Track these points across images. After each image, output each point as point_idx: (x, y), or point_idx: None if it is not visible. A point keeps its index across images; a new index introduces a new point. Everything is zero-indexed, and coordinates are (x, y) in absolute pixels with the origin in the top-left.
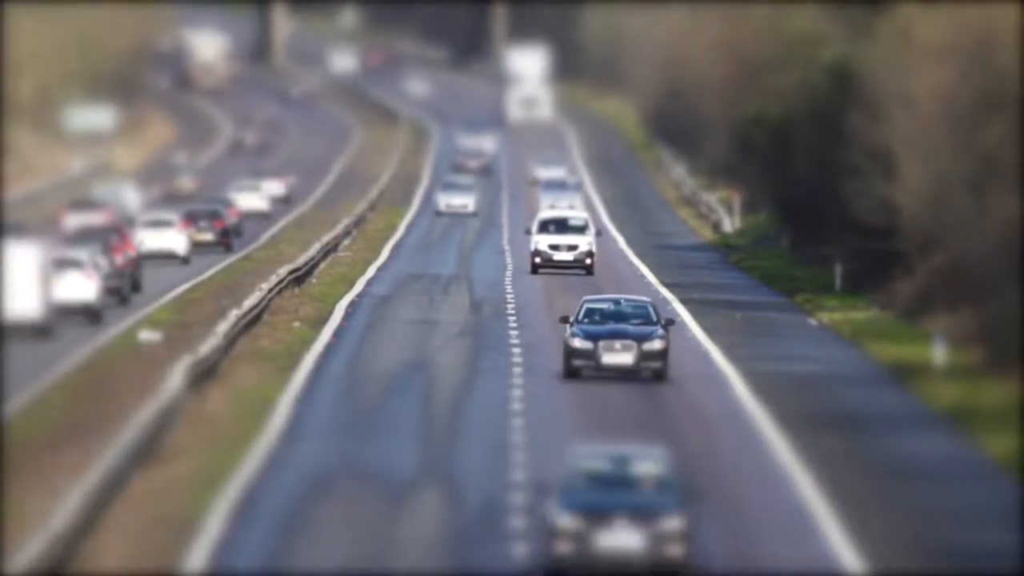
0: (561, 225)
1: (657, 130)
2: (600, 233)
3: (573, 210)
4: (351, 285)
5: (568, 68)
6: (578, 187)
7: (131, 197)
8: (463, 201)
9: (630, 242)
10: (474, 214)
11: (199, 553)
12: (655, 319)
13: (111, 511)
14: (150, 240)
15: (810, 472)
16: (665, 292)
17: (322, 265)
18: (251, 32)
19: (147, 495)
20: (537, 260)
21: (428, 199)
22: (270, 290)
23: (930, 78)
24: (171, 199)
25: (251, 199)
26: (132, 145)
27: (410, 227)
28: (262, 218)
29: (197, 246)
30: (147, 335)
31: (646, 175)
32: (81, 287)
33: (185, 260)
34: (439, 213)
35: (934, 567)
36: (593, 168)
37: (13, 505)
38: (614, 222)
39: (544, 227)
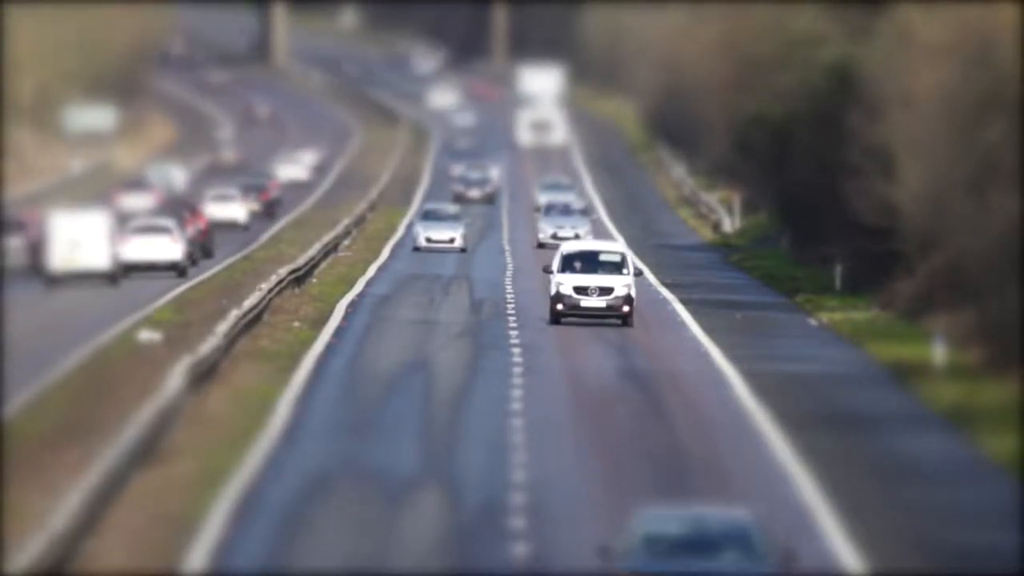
0: (591, 261)
1: (657, 130)
2: (640, 273)
3: (594, 238)
4: (351, 285)
5: (568, 69)
6: (587, 212)
7: (178, 177)
8: (448, 234)
9: (630, 242)
10: (462, 250)
11: (199, 553)
12: (762, 543)
13: (111, 511)
14: (217, 211)
15: (810, 472)
16: (665, 292)
17: (322, 265)
18: (252, 32)
19: (147, 495)
20: (560, 307)
21: (429, 198)
22: (270, 290)
23: (930, 78)
24: (216, 171)
25: (292, 170)
26: (132, 145)
27: (410, 227)
28: (303, 187)
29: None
30: (147, 335)
31: (646, 175)
32: (170, 249)
33: (246, 227)
34: (418, 249)
35: (934, 567)
36: (593, 169)
37: (13, 505)
38: (614, 222)
39: (568, 264)
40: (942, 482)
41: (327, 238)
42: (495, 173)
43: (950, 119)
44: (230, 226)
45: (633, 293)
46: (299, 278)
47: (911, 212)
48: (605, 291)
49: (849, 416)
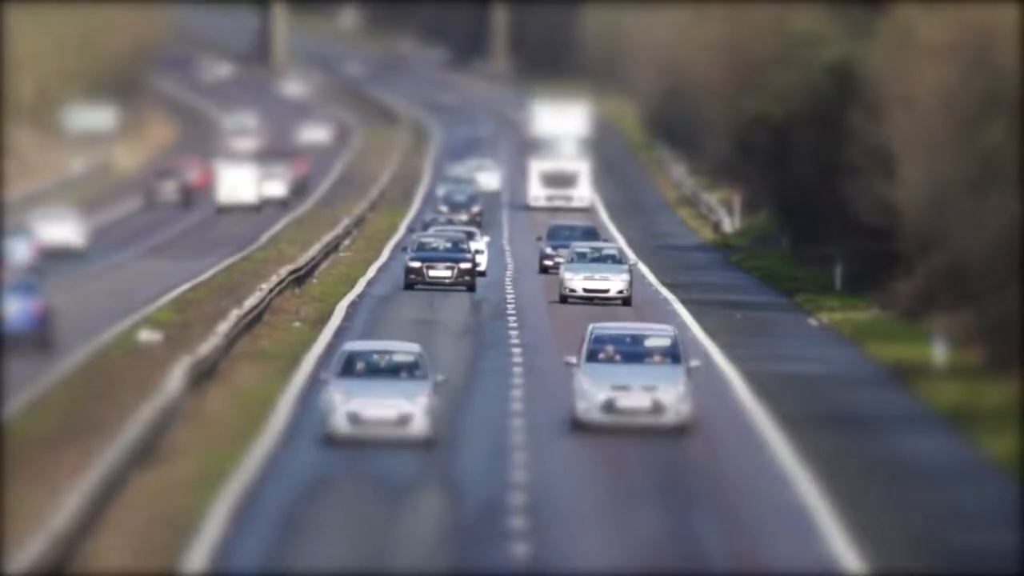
0: None
1: (657, 130)
2: None
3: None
4: (351, 285)
5: (568, 68)
6: (677, 355)
7: (250, 123)
8: (395, 406)
9: (631, 243)
10: (428, 442)
11: (199, 553)
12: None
13: (111, 511)
14: (310, 135)
15: (810, 472)
16: (665, 292)
17: (323, 265)
18: (252, 32)
19: (147, 495)
20: None
21: (429, 199)
22: (270, 290)
23: (930, 78)
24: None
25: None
26: (132, 145)
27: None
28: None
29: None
30: (147, 335)
31: (646, 175)
32: (279, 188)
33: (328, 146)
34: (332, 440)
35: (934, 567)
36: (593, 169)
37: (13, 505)
38: (615, 222)
39: None
40: (942, 482)
41: (327, 238)
42: (481, 244)
43: (950, 119)
44: (316, 147)
45: None
46: (299, 278)
47: (911, 212)
48: None
49: (849, 416)
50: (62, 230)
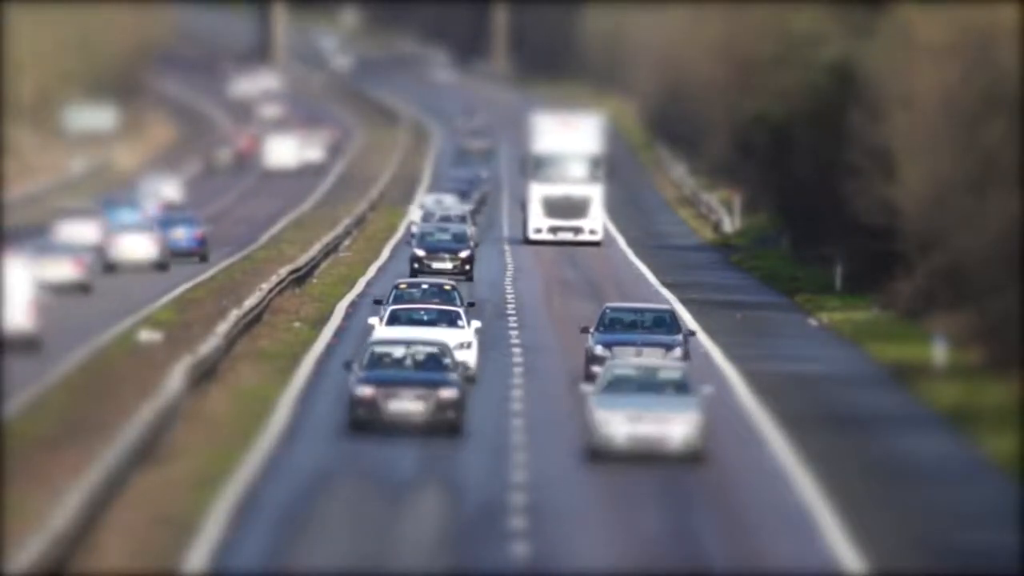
0: None
1: (657, 130)
2: None
3: None
4: (351, 285)
5: (568, 69)
6: None
7: (268, 81)
8: None
9: (631, 243)
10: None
11: (199, 553)
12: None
13: (111, 511)
14: (245, 87)
15: (810, 472)
16: (665, 292)
17: (323, 265)
18: (251, 32)
19: (147, 495)
20: None
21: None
22: (270, 290)
23: (930, 78)
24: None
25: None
26: (132, 145)
27: (410, 227)
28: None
29: None
30: (147, 335)
31: (646, 175)
32: (316, 153)
33: (280, 94)
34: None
35: (934, 567)
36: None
37: (13, 505)
38: (615, 222)
39: None
40: (942, 482)
41: (327, 238)
42: (468, 333)
43: (950, 119)
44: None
45: None
46: (300, 278)
47: (911, 212)
48: None
49: (849, 416)
50: (169, 189)
